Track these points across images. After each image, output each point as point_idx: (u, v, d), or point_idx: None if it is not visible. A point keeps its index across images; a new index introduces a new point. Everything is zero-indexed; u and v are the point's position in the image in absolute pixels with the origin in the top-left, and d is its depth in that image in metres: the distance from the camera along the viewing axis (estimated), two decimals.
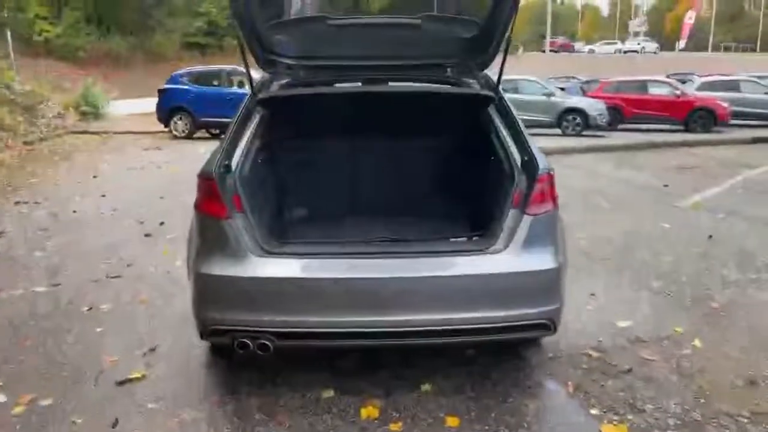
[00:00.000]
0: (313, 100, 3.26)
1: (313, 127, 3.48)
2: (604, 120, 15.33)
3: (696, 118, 16.12)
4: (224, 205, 2.48)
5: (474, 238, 2.83)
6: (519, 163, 2.67)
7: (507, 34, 3.00)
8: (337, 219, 3.49)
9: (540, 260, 2.47)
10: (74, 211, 6.78)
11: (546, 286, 2.49)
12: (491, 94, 3.04)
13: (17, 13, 24.46)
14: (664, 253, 4.97)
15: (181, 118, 14.66)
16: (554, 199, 2.61)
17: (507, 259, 2.45)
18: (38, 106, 15.57)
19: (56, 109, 16.48)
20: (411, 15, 3.33)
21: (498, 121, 2.95)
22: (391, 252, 2.58)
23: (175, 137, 14.59)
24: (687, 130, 15.86)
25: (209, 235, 2.52)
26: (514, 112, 3.01)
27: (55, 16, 28.07)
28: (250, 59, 3.09)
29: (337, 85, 3.47)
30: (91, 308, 3.79)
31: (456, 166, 3.57)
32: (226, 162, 2.61)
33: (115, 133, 15.61)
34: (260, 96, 3.04)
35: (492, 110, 3.02)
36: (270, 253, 2.46)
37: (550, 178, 2.59)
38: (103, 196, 7.63)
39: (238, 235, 2.45)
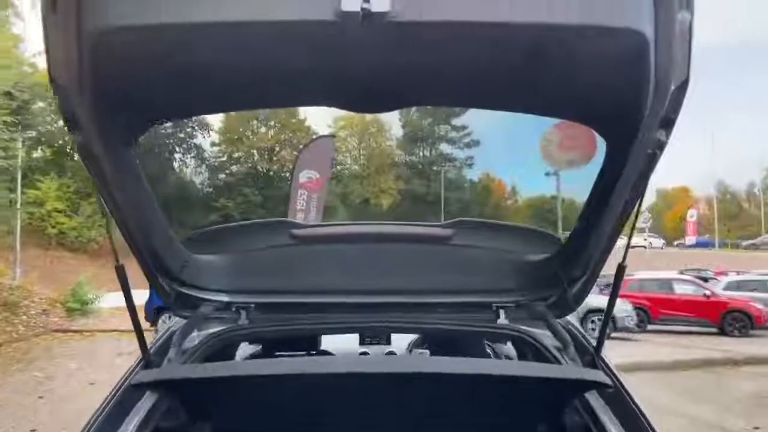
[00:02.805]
0: (262, 386, 1.78)
1: None
2: (632, 322, 14.09)
3: (731, 320, 15.04)
4: None
5: None
6: None
7: (622, 262, 1.75)
8: None
9: None
10: None
11: None
12: (605, 380, 1.69)
13: (36, 208, 25.02)
14: None
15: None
16: None
17: None
18: (23, 302, 14.67)
19: (42, 306, 15.55)
20: (437, 221, 2.36)
21: (608, 424, 1.67)
22: None
23: None
24: (722, 333, 14.73)
25: None
26: (641, 406, 1.76)
27: (72, 210, 28.79)
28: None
29: (319, 347, 2.54)
30: None
31: None
32: None
33: (100, 331, 14.42)
34: (139, 379, 1.69)
35: (596, 400, 1.78)
36: None
37: None
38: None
39: None
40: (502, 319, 2.22)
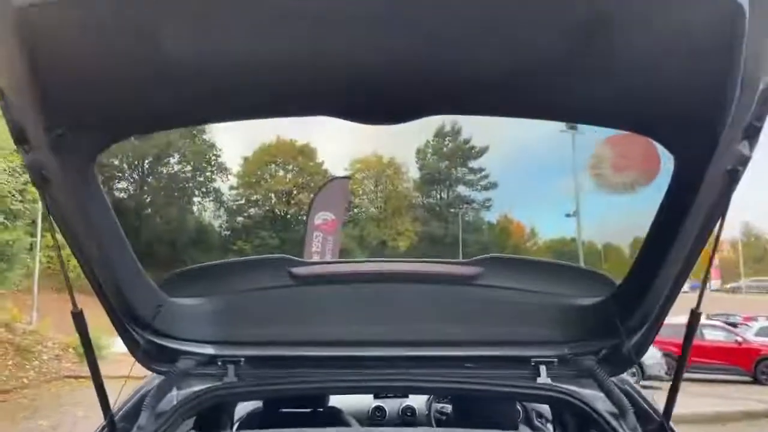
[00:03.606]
0: None
1: None
2: (662, 370, 13.43)
3: (764, 368, 14.37)
4: None
5: None
6: None
7: (696, 307, 1.48)
8: None
9: None
10: None
11: None
12: None
13: (55, 251, 25.11)
14: None
15: None
16: None
17: None
18: (36, 347, 14.50)
19: (55, 351, 15.35)
20: (463, 259, 2.01)
21: None
22: None
23: None
24: (755, 382, 14.00)
25: None
26: None
27: None
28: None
29: (327, 403, 2.18)
30: None
31: None
32: None
33: (111, 377, 14.07)
34: None
35: None
36: None
37: None
38: None
39: None
40: (544, 377, 1.88)
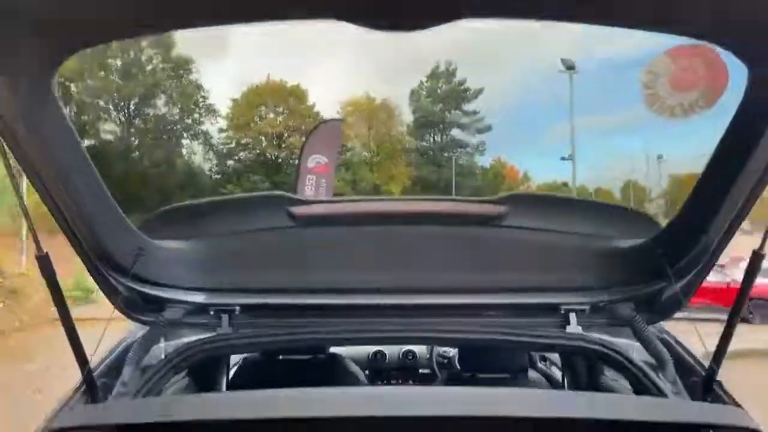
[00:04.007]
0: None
1: None
2: None
3: (752, 308, 14.67)
4: None
5: None
6: None
7: (760, 248, 1.31)
8: None
9: None
10: None
11: None
12: (755, 425, 1.21)
13: None
14: None
15: None
16: None
17: None
18: (27, 290, 14.42)
19: (46, 294, 15.33)
20: (484, 197, 1.78)
21: None
22: None
23: None
24: (744, 321, 14.28)
25: None
26: None
27: None
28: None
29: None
30: None
31: None
32: None
33: (104, 319, 14.15)
34: (59, 424, 1.27)
35: None
36: None
37: None
38: None
39: None
40: (573, 326, 1.73)
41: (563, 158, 26.01)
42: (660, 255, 1.59)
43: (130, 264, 1.64)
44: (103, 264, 1.61)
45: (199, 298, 1.78)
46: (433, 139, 48.57)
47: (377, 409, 1.08)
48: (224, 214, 1.86)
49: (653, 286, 1.67)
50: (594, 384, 2.15)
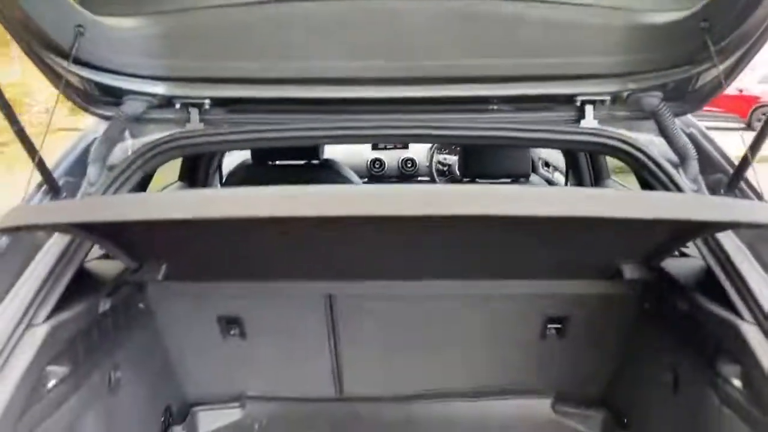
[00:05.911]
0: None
1: None
2: None
3: (760, 116, 14.32)
4: None
5: None
6: None
7: None
8: None
9: None
10: None
11: None
12: None
13: None
14: None
15: None
16: None
17: None
18: (24, 100, 14.49)
19: (45, 104, 15.42)
20: None
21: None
22: None
23: None
24: (749, 128, 14.01)
25: None
26: None
27: None
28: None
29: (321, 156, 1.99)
30: None
31: None
32: None
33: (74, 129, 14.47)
34: (26, 220, 1.15)
35: (731, 242, 1.27)
36: None
37: None
38: None
39: None
40: (589, 120, 1.53)
41: None
42: (702, 30, 1.34)
43: (68, 45, 1.43)
44: (36, 44, 1.42)
45: (160, 89, 1.61)
46: None
47: (373, 207, 0.97)
48: None
49: (691, 71, 1.44)
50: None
